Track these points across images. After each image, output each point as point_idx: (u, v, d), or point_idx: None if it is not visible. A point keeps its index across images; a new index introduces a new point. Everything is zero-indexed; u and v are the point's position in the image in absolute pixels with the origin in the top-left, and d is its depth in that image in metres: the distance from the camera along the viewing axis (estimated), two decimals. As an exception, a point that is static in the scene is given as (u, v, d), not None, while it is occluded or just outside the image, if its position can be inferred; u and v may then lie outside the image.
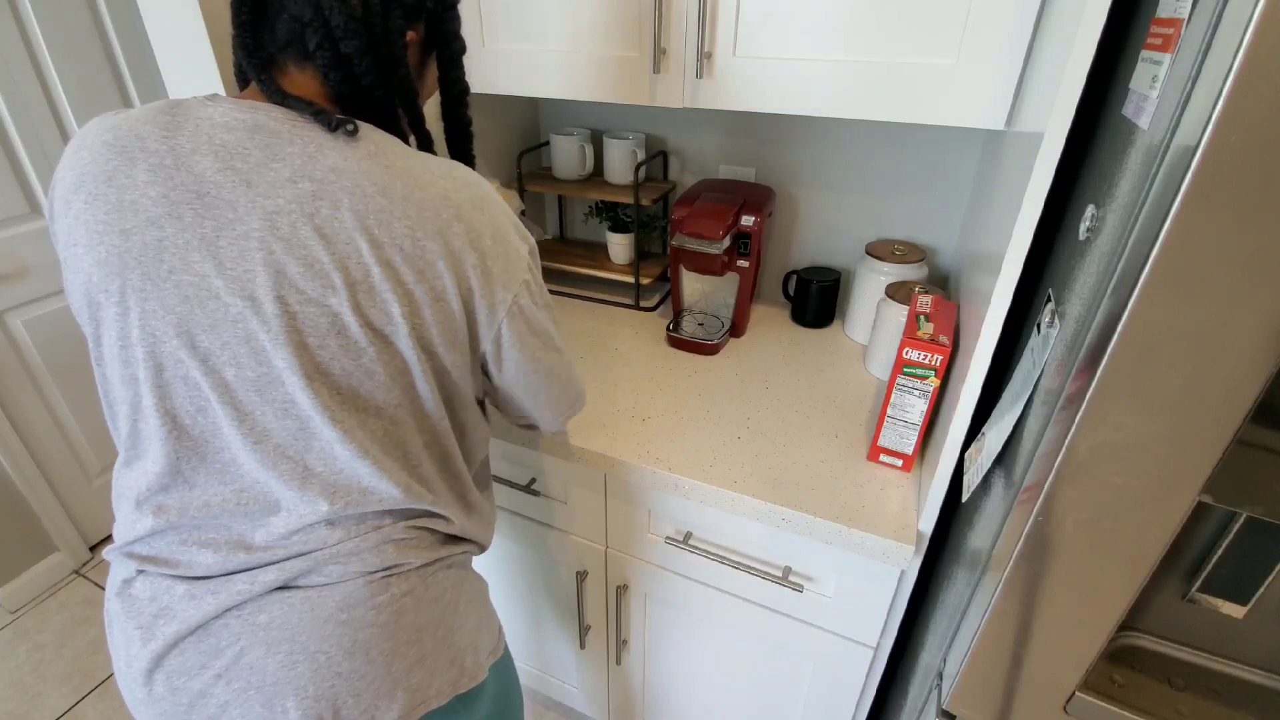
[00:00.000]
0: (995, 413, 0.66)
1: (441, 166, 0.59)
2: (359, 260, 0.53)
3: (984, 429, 0.68)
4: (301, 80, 0.57)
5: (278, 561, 0.59)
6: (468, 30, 1.00)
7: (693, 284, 1.25)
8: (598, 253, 1.42)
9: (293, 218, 0.52)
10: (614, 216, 1.34)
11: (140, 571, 0.60)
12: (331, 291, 0.53)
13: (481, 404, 0.73)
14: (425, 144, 0.66)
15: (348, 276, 0.53)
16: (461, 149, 0.73)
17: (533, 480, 1.05)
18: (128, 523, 0.61)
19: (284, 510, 0.59)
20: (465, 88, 0.69)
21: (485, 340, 0.63)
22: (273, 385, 0.55)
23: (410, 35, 0.60)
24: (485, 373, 0.68)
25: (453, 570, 0.69)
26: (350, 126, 0.54)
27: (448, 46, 0.64)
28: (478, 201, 0.59)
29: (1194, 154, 0.36)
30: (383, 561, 0.61)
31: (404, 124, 0.64)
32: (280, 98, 0.55)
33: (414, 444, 0.63)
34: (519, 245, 0.63)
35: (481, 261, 0.59)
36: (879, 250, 1.14)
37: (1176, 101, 0.38)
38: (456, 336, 0.60)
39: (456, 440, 0.67)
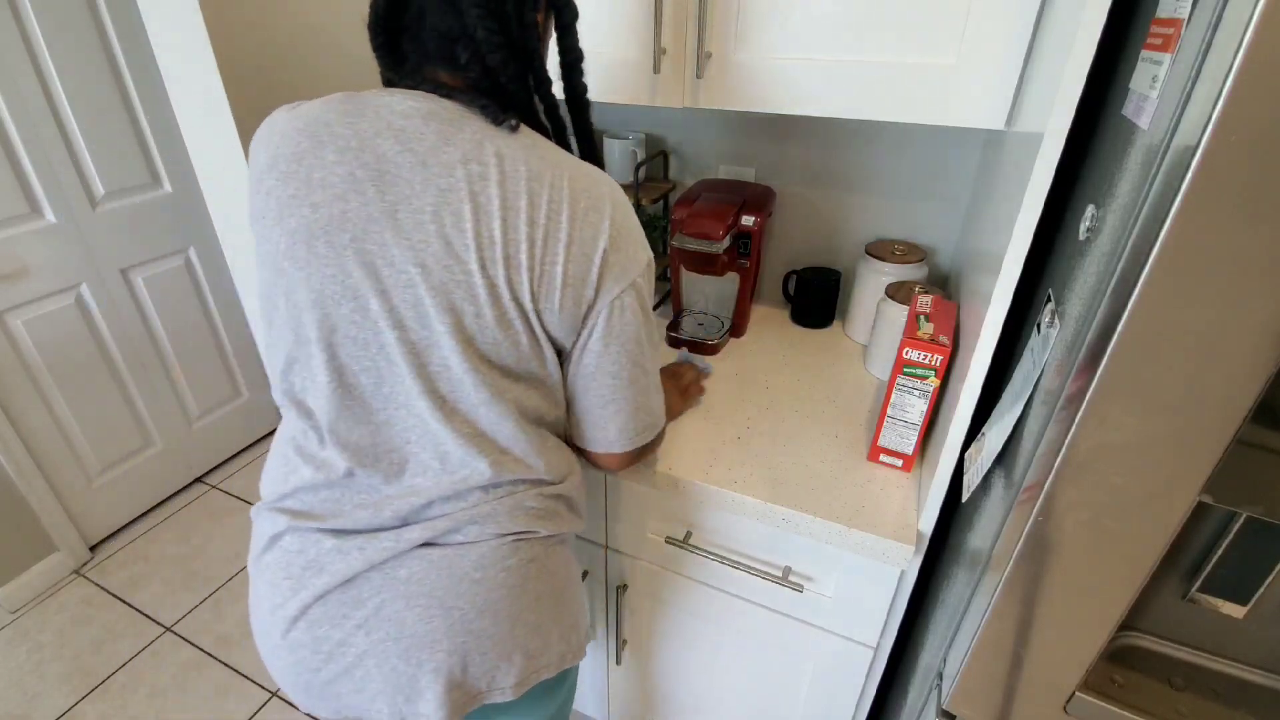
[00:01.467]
0: (995, 413, 0.66)
1: (586, 166, 0.64)
2: (512, 237, 0.58)
3: (984, 429, 0.68)
4: (450, 80, 0.62)
5: (424, 521, 0.63)
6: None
7: (693, 284, 1.25)
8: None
9: (461, 195, 0.58)
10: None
11: (291, 527, 0.64)
12: (488, 264, 0.58)
13: None
14: (559, 128, 0.69)
15: (502, 251, 0.58)
16: (580, 119, 0.73)
17: (533, 480, 1.05)
18: (280, 476, 0.66)
19: (435, 469, 0.63)
20: (579, 55, 0.69)
21: (587, 325, 0.65)
22: (433, 348, 0.60)
23: (539, 17, 0.63)
24: (563, 367, 0.68)
25: (565, 547, 0.73)
26: (513, 122, 0.60)
27: (562, 14, 0.66)
28: (616, 200, 0.63)
29: (1194, 154, 0.36)
30: (515, 525, 0.65)
31: (540, 113, 0.67)
32: (446, 91, 0.60)
33: (547, 416, 0.68)
34: (640, 250, 0.65)
35: (607, 251, 0.61)
36: (879, 250, 1.14)
37: (1176, 101, 0.38)
38: (575, 321, 0.63)
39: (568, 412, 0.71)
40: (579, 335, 0.65)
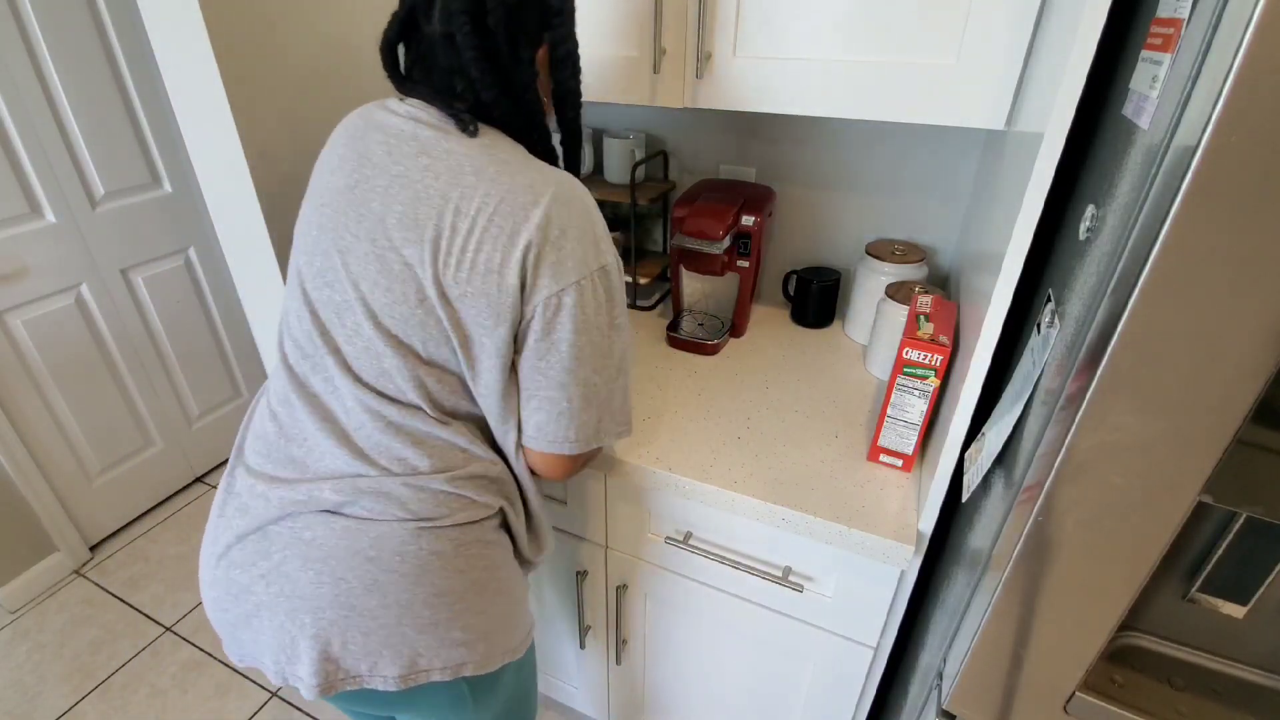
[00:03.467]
0: (995, 413, 0.66)
1: (544, 167, 0.66)
2: (438, 224, 0.62)
3: (984, 429, 0.68)
4: (454, 101, 0.67)
5: (332, 478, 0.66)
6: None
7: (693, 284, 1.25)
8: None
9: (404, 182, 0.63)
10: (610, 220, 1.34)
11: (239, 463, 0.72)
12: (409, 243, 0.62)
13: None
14: (548, 158, 0.73)
15: (427, 234, 0.62)
16: (569, 147, 0.77)
17: (533, 480, 1.05)
18: (248, 423, 0.74)
19: (340, 429, 0.68)
20: (569, 89, 0.72)
21: (524, 318, 0.65)
22: (347, 310, 0.66)
23: (540, 54, 0.68)
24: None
25: (490, 551, 0.71)
26: (472, 128, 0.65)
27: (555, 49, 0.69)
28: (564, 197, 0.63)
29: (1194, 154, 0.36)
30: (419, 510, 0.66)
31: (531, 137, 0.71)
32: (435, 99, 0.66)
33: (457, 408, 0.69)
34: (590, 252, 0.64)
35: (541, 247, 0.62)
36: (879, 250, 1.14)
37: (1176, 101, 0.38)
38: (505, 314, 0.64)
39: (499, 408, 0.69)
40: (521, 321, 0.65)
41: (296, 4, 0.82)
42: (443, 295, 0.63)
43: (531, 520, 0.79)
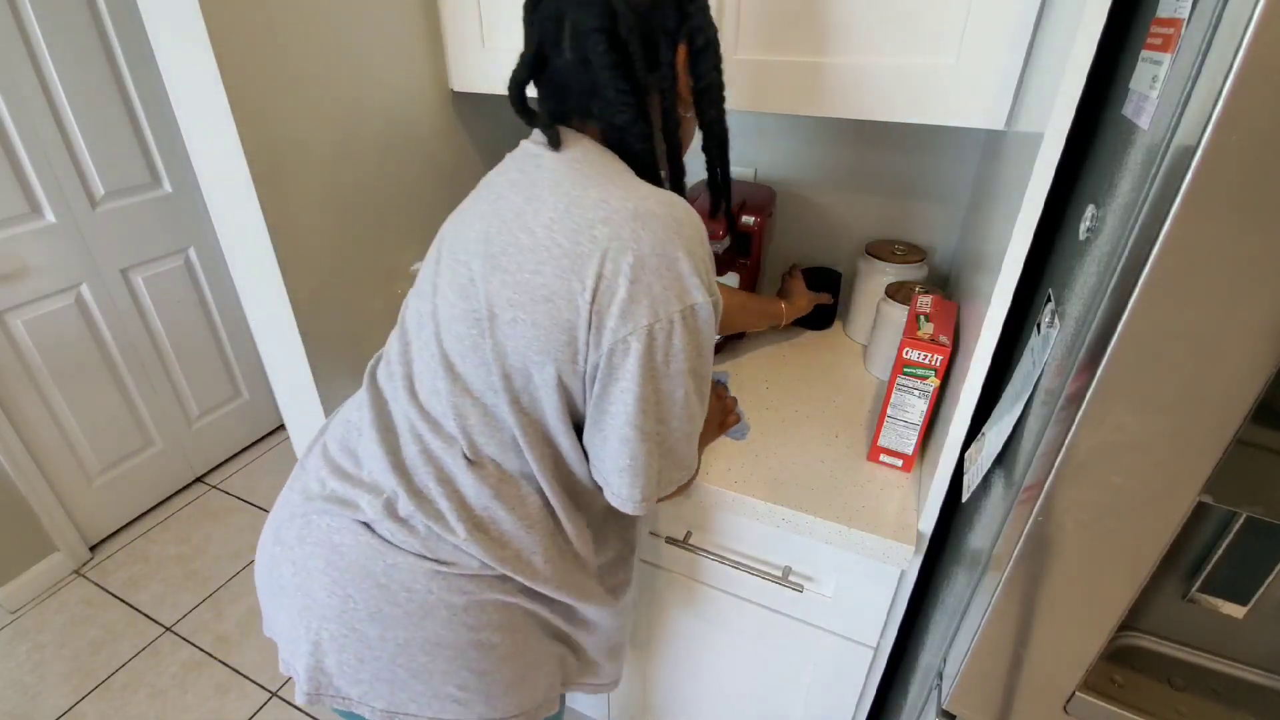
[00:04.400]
0: (995, 413, 0.66)
1: (631, 184, 0.59)
2: (504, 237, 0.59)
3: (984, 429, 0.68)
4: (583, 125, 0.64)
5: (372, 491, 0.64)
6: (469, 30, 1.00)
7: (693, 284, 1.24)
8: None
9: (493, 198, 0.63)
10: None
11: (319, 450, 0.71)
12: (479, 259, 0.60)
13: None
14: (678, 175, 0.69)
15: (493, 248, 0.59)
16: (712, 149, 0.71)
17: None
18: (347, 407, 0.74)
19: (397, 439, 0.66)
20: (711, 81, 0.65)
21: (589, 362, 0.58)
22: (428, 322, 0.65)
23: (679, 54, 0.62)
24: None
25: (506, 612, 0.64)
26: (554, 137, 0.61)
27: (694, 40, 0.63)
28: (643, 214, 0.55)
29: (1194, 154, 0.36)
30: (436, 552, 0.62)
31: (661, 156, 0.66)
32: (543, 124, 0.63)
33: (503, 436, 0.63)
34: (671, 286, 0.55)
35: (607, 278, 0.54)
36: (879, 250, 1.14)
37: (1176, 101, 0.38)
38: (557, 347, 0.57)
39: (540, 445, 0.63)
40: (584, 364, 0.58)
41: (297, 4, 0.82)
42: (492, 316, 0.58)
43: (582, 626, 0.73)
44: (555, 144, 0.61)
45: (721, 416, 0.92)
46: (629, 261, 0.54)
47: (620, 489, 0.63)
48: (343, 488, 0.65)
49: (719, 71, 0.65)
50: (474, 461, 0.63)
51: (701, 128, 0.69)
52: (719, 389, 0.98)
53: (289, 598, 0.65)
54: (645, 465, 0.61)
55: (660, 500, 0.67)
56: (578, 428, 0.64)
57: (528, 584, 0.65)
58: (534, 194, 0.59)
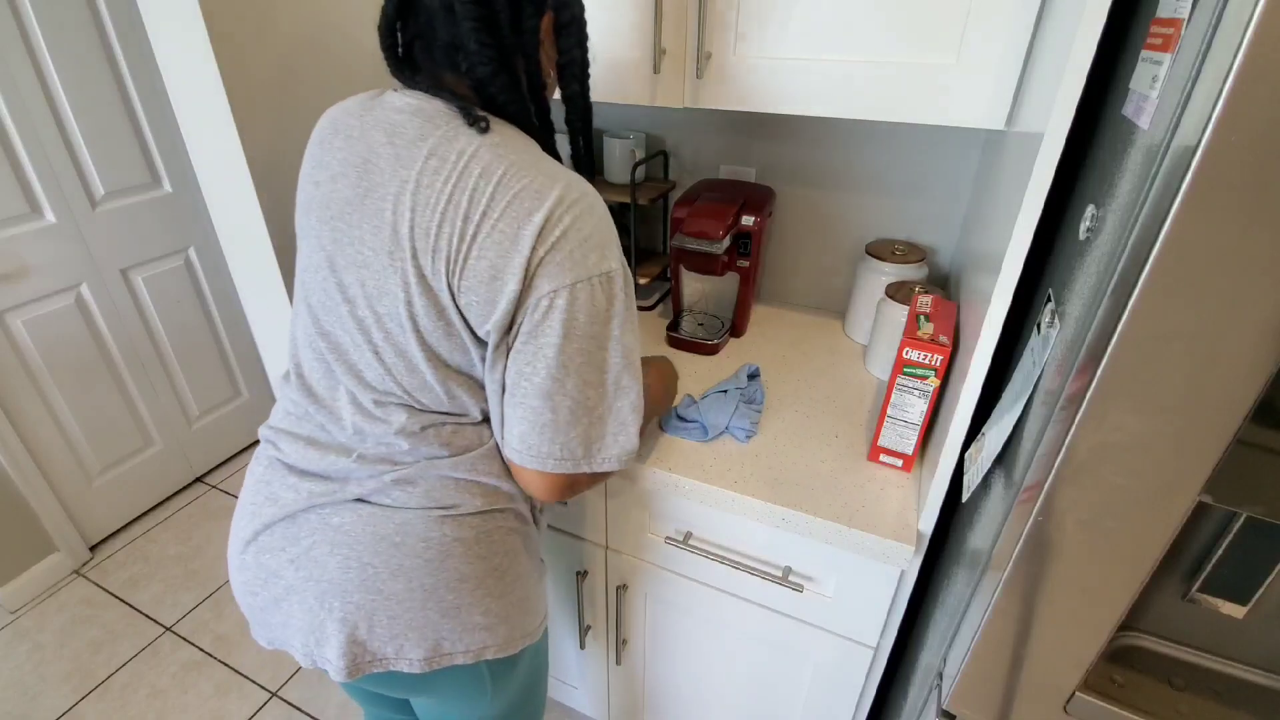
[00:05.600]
0: (995, 413, 0.66)
1: (554, 166, 0.63)
2: (444, 231, 0.60)
3: (984, 429, 0.68)
4: (456, 82, 0.65)
5: (358, 479, 0.67)
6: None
7: (693, 284, 1.25)
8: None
9: (414, 186, 0.61)
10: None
11: (265, 454, 0.73)
12: (420, 253, 0.61)
13: None
14: (547, 133, 0.70)
15: (433, 243, 0.60)
16: (574, 121, 0.73)
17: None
18: (277, 405, 0.75)
19: (373, 417, 0.68)
20: (575, 58, 0.68)
21: (518, 320, 0.63)
22: (373, 327, 0.65)
23: (545, 22, 0.64)
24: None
25: (509, 538, 0.72)
26: (484, 124, 0.61)
27: (559, 15, 0.66)
28: (569, 200, 0.61)
29: (1194, 154, 0.36)
30: (441, 499, 0.67)
31: (532, 116, 0.68)
32: (438, 90, 0.63)
33: (474, 399, 0.69)
34: (591, 253, 0.61)
35: (540, 248, 0.59)
36: (879, 250, 1.14)
37: (1176, 101, 0.38)
38: (505, 318, 0.62)
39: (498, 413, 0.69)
40: (510, 333, 0.63)
41: (298, 4, 0.82)
42: (456, 304, 0.62)
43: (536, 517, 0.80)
44: (484, 129, 0.62)
45: (665, 384, 0.90)
46: (557, 233, 0.60)
47: (539, 447, 0.65)
48: (320, 484, 0.68)
49: (583, 48, 0.68)
50: (460, 419, 0.69)
51: (565, 101, 0.71)
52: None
53: (299, 595, 0.66)
54: (567, 424, 0.64)
55: (583, 478, 0.68)
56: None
57: (518, 506, 0.73)
58: (466, 183, 0.59)
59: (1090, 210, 0.53)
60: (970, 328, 0.72)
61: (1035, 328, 0.62)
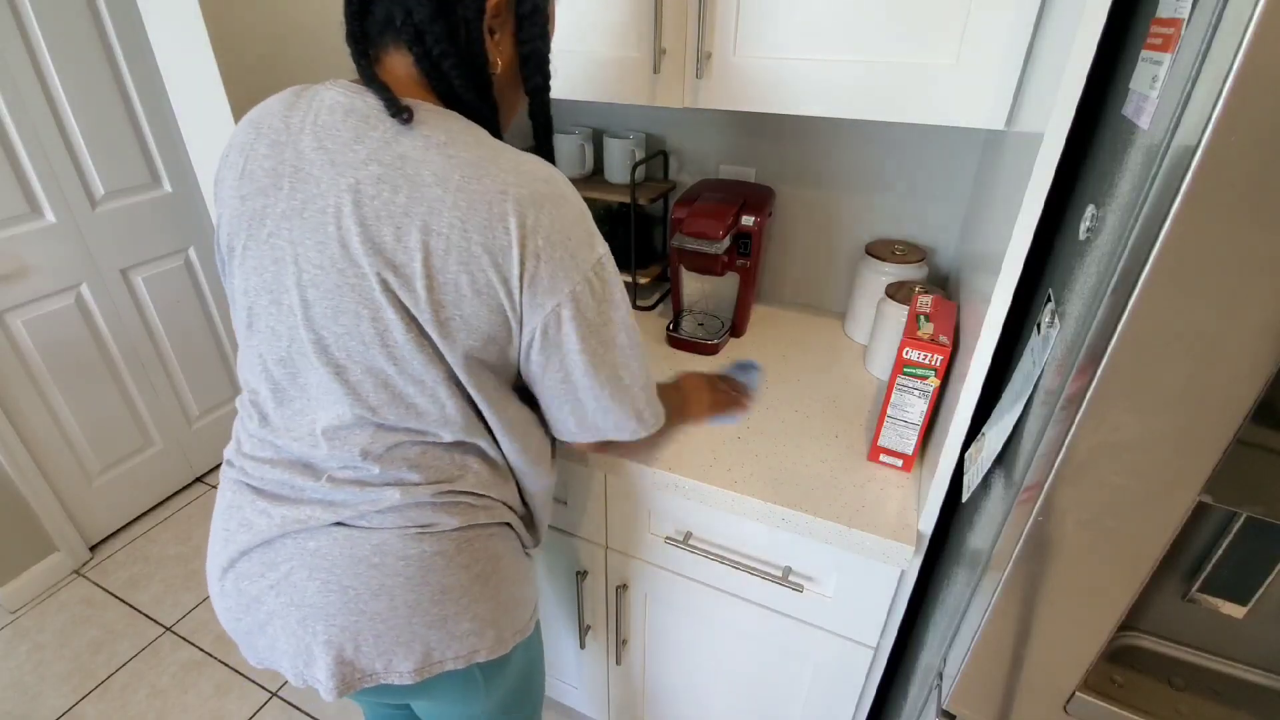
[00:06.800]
0: (995, 413, 0.66)
1: (511, 160, 0.58)
2: (405, 244, 0.56)
3: (984, 429, 0.68)
4: (397, 63, 0.60)
5: (333, 504, 0.65)
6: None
7: (693, 284, 1.25)
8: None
9: (358, 196, 0.56)
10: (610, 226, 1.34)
11: (232, 479, 0.70)
12: (381, 269, 0.56)
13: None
14: (491, 119, 0.64)
15: (400, 257, 0.56)
16: (535, 113, 0.68)
17: (533, 480, 1.04)
18: (238, 428, 0.72)
19: (338, 439, 0.64)
20: (535, 47, 0.64)
21: (524, 338, 0.62)
22: (333, 346, 0.61)
23: (490, 5, 0.59)
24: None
25: (492, 543, 0.70)
26: (405, 115, 0.56)
27: (520, 2, 0.61)
28: (538, 198, 0.57)
29: (1194, 154, 0.36)
30: (418, 519, 0.65)
31: (485, 105, 0.63)
32: (368, 81, 0.58)
33: (447, 418, 0.65)
34: (579, 249, 0.59)
35: (528, 261, 0.57)
36: (879, 250, 1.14)
37: (1176, 101, 0.38)
38: (495, 330, 0.60)
39: (492, 416, 0.67)
40: (519, 340, 0.62)
41: (298, 3, 0.81)
42: (436, 319, 0.58)
43: (533, 519, 0.80)
44: (406, 120, 0.56)
45: (714, 396, 0.91)
46: (540, 242, 0.57)
47: (607, 422, 0.67)
48: (293, 509, 0.65)
49: (545, 40, 0.64)
50: (434, 439, 0.66)
51: (527, 94, 0.67)
52: (730, 381, 0.95)
53: (281, 620, 0.65)
54: (622, 396, 0.66)
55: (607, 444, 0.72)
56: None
57: (505, 516, 0.72)
58: (421, 192, 0.55)
59: (1090, 210, 0.53)
60: (970, 328, 0.72)
61: (1035, 328, 0.62)
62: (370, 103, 0.58)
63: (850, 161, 1.18)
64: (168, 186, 1.95)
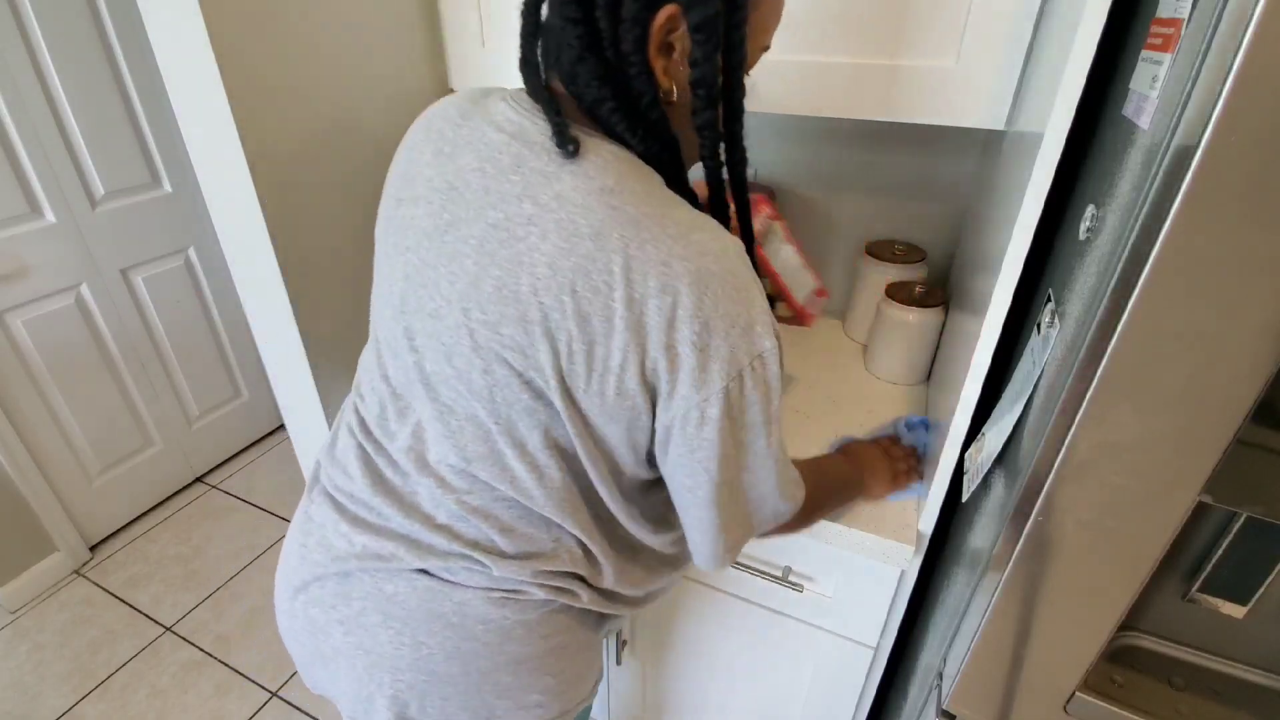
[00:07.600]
0: (995, 413, 0.66)
1: (680, 224, 0.49)
2: (542, 300, 0.49)
3: (984, 429, 0.68)
4: (559, 88, 0.54)
5: (421, 546, 0.59)
6: (469, 30, 1.00)
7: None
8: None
9: (504, 237, 0.50)
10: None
11: (322, 490, 0.66)
12: (515, 324, 0.50)
13: None
14: (667, 158, 0.55)
15: (534, 314, 0.49)
16: (708, 171, 0.57)
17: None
18: (331, 438, 0.69)
19: (440, 484, 0.59)
20: (705, 75, 0.50)
21: (659, 427, 0.54)
22: (442, 384, 0.56)
23: (660, 19, 0.48)
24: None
25: (574, 613, 0.66)
26: (571, 148, 0.49)
27: (689, 10, 0.48)
28: (701, 278, 0.48)
29: (1194, 154, 0.36)
30: (504, 583, 0.60)
31: (656, 143, 0.54)
32: (537, 96, 0.53)
33: (556, 488, 0.59)
34: (739, 341, 0.50)
35: (673, 349, 0.49)
36: (879, 250, 1.14)
37: (1176, 101, 0.38)
38: (624, 412, 0.53)
39: (613, 495, 0.60)
40: (655, 424, 0.54)
41: (297, 3, 0.81)
42: (566, 391, 0.52)
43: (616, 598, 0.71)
44: (572, 153, 0.49)
45: (894, 468, 0.84)
46: (697, 328, 0.49)
47: (696, 545, 0.61)
48: (375, 541, 0.60)
49: (714, 63, 0.50)
50: (529, 510, 0.60)
51: (695, 130, 0.53)
52: (901, 447, 0.88)
53: (346, 660, 0.62)
54: (730, 522, 0.59)
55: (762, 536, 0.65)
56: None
57: (597, 587, 0.65)
58: (572, 246, 0.48)
59: (1090, 210, 0.53)
60: (970, 328, 0.72)
61: (1035, 328, 0.62)
62: (539, 126, 0.52)
63: (850, 161, 1.18)
64: (168, 186, 1.95)
